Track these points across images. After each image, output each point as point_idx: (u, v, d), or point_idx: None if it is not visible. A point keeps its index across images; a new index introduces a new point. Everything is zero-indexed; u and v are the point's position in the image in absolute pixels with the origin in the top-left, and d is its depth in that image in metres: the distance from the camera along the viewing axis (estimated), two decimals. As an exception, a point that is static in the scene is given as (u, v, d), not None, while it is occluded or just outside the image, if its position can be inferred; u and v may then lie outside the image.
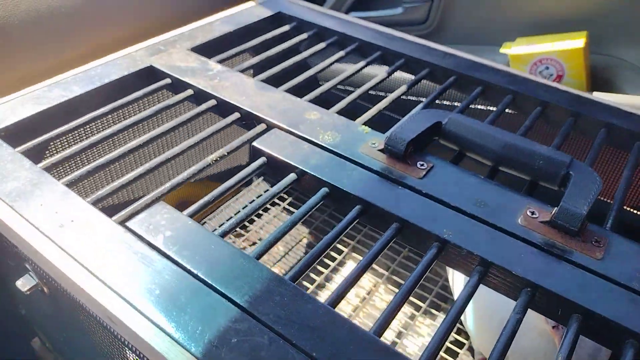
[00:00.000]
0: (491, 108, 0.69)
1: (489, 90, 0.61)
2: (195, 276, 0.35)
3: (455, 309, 0.35)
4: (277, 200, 0.91)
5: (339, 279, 0.81)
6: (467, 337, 0.72)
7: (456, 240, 0.39)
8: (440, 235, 0.39)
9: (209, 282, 0.35)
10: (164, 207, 0.40)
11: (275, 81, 0.58)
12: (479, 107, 0.70)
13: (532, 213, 0.41)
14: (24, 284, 0.43)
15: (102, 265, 0.36)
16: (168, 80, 0.58)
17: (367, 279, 0.81)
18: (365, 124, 0.52)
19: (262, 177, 0.97)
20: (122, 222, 0.39)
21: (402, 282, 0.79)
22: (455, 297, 0.69)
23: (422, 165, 0.45)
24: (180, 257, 0.36)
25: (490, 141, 0.46)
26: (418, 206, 0.42)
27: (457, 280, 0.70)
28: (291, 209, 0.90)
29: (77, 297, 0.38)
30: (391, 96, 0.57)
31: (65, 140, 0.55)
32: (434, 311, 0.76)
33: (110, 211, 0.41)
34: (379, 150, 0.47)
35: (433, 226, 0.40)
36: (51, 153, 0.54)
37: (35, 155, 0.47)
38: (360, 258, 0.83)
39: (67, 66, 0.59)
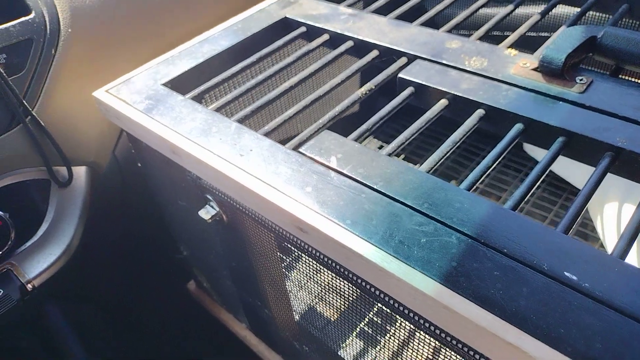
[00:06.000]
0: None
1: (638, 6, 0.57)
2: (373, 189, 0.37)
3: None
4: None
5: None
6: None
7: (632, 147, 0.38)
8: (614, 144, 0.38)
9: (388, 193, 0.37)
10: (330, 134, 0.43)
11: (406, 19, 0.59)
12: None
13: None
14: (206, 212, 0.48)
15: (286, 183, 0.39)
16: (303, 29, 0.60)
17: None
18: (509, 49, 0.51)
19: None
20: (295, 149, 0.43)
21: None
22: (606, 243, 0.66)
23: (581, 80, 0.44)
24: (356, 173, 0.39)
25: (656, 51, 0.43)
26: (584, 118, 0.41)
27: (607, 225, 0.67)
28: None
29: (262, 214, 0.42)
30: (529, 22, 0.55)
31: (222, 87, 0.59)
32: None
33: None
34: (532, 69, 0.46)
35: (604, 135, 0.39)
36: (207, 100, 0.58)
37: (197, 102, 0.52)
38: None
39: (196, 32, 0.63)
